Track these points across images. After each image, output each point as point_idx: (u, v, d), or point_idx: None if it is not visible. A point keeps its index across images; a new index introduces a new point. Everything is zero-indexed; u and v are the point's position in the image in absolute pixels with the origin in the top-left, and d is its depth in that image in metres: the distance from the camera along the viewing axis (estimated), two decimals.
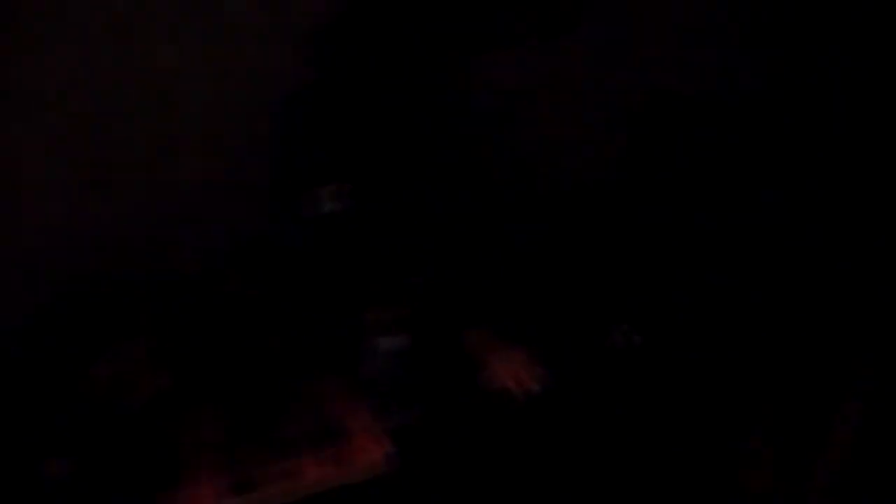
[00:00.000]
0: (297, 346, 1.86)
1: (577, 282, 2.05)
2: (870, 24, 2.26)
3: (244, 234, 1.99)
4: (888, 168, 2.16)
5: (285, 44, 1.90)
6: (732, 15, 2.26)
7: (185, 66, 1.84)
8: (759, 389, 2.03)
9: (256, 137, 1.95)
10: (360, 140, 1.93)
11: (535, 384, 1.78)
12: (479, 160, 2.10)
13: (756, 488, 1.99)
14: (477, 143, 2.06)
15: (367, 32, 1.87)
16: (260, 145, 1.95)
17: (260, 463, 1.68)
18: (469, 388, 1.82)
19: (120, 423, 1.73)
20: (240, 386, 1.79)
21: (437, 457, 1.75)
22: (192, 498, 1.62)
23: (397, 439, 1.70)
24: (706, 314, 1.94)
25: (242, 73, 1.89)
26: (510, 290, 2.00)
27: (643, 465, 1.92)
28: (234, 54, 1.87)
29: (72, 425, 1.71)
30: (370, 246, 1.98)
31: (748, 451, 2.02)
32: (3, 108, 1.75)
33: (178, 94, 1.86)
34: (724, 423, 1.99)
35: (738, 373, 1.98)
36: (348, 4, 1.84)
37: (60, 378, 1.78)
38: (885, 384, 1.93)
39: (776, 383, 2.03)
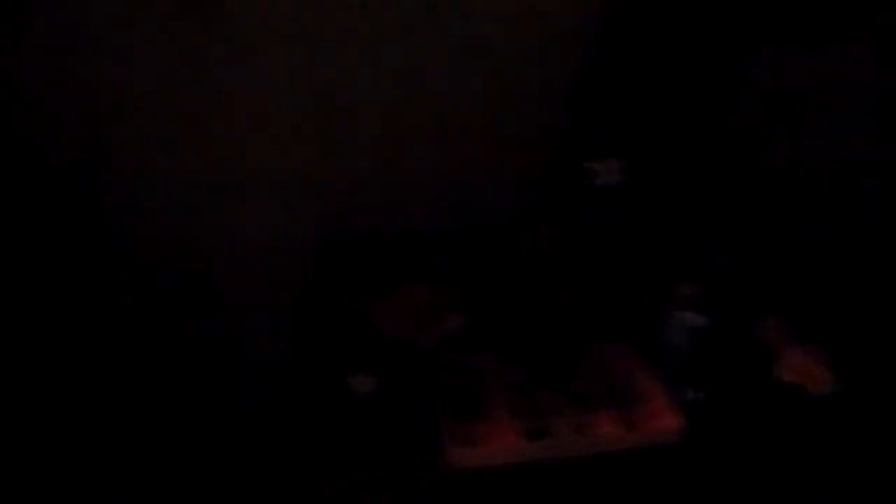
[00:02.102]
0: (589, 306, 1.89)
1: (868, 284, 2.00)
2: None
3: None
4: None
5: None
6: None
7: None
8: None
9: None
10: (638, 120, 1.96)
11: (826, 386, 1.75)
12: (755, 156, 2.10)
13: None
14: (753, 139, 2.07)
15: (651, 19, 1.89)
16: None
17: (555, 413, 1.70)
18: (761, 377, 1.80)
19: (419, 353, 1.80)
20: (532, 337, 1.83)
21: (720, 439, 1.74)
22: (488, 434, 1.67)
23: (686, 414, 1.69)
24: None
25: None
26: (801, 285, 1.97)
27: None
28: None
29: (375, 349, 1.79)
30: (653, 221, 1.99)
31: None
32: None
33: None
34: None
35: None
36: None
37: (351, 310, 1.88)
38: None
39: None
